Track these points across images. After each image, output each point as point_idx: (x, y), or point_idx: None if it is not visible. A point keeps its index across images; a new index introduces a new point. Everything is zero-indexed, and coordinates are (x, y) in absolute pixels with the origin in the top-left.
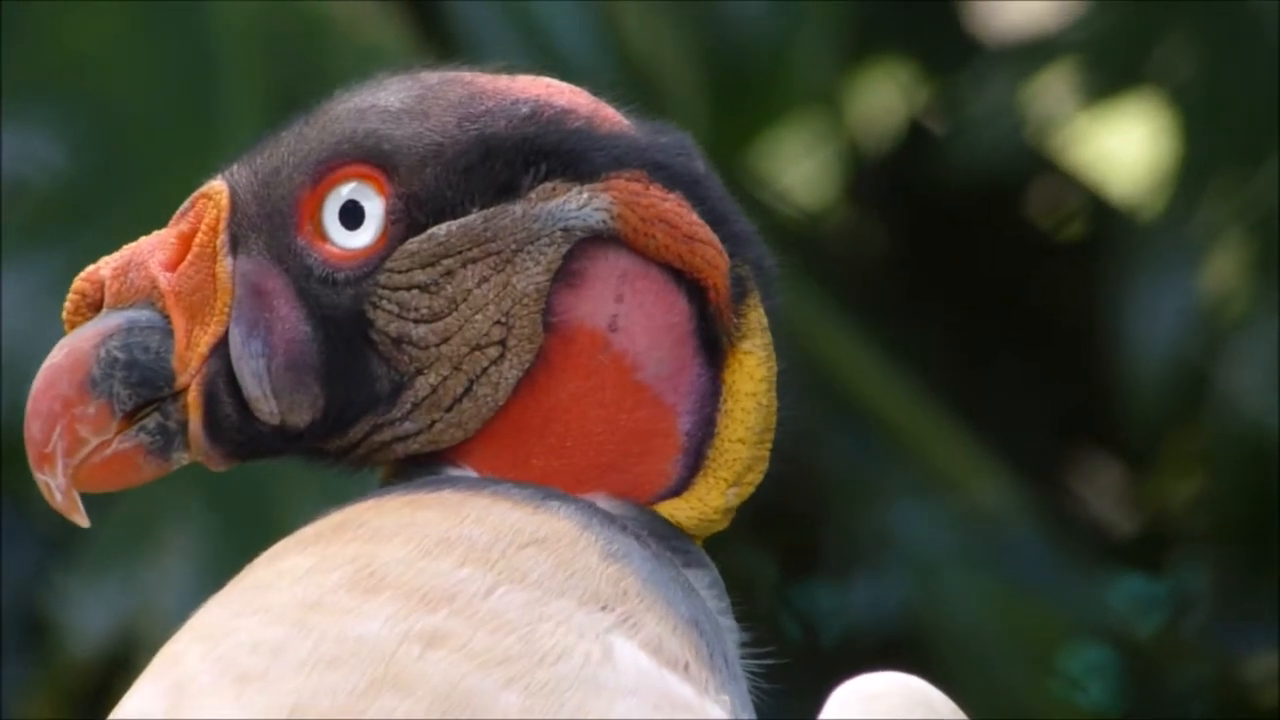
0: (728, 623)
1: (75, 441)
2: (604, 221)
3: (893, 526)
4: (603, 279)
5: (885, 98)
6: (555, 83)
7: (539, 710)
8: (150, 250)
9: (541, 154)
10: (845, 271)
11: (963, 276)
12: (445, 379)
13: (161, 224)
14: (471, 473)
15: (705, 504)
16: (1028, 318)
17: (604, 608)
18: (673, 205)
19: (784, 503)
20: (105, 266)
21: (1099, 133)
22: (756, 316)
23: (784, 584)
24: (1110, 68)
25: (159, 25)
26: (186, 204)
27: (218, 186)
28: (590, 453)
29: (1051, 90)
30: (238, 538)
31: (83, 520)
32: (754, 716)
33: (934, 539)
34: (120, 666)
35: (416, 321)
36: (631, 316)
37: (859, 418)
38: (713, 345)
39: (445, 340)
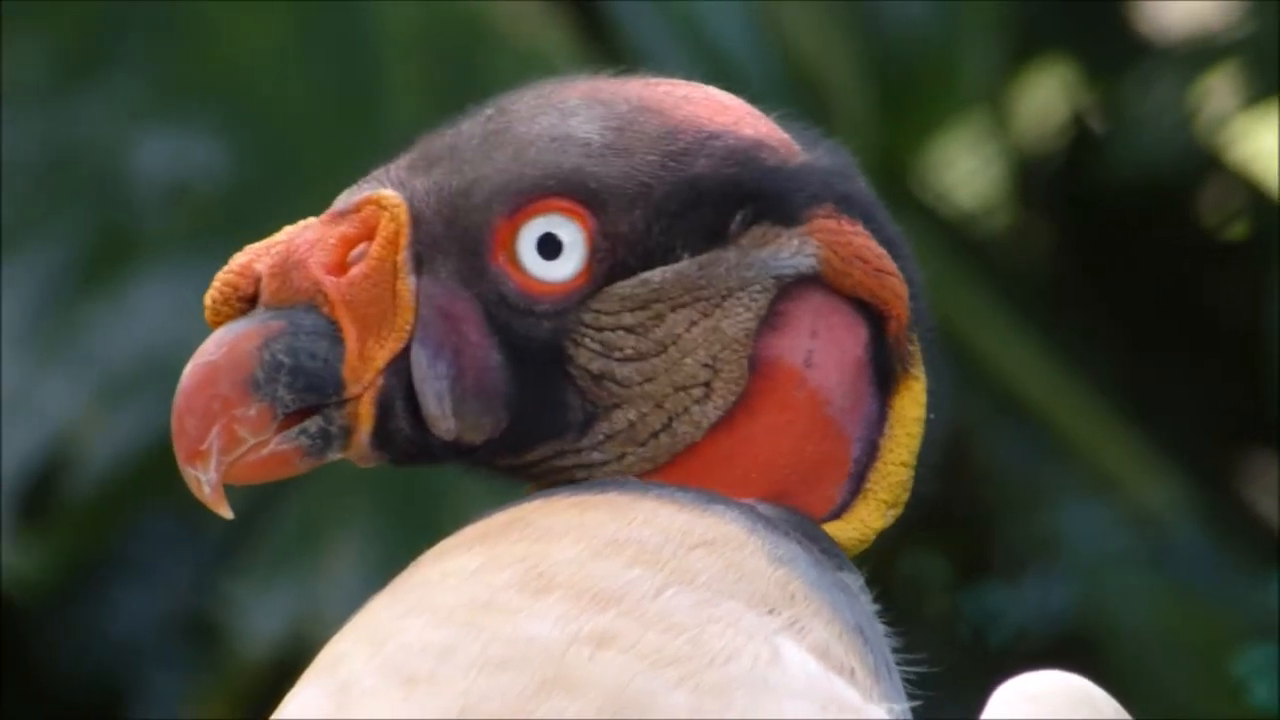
0: (882, 629)
1: (232, 440)
2: (812, 266)
3: (1060, 528)
4: (801, 317)
5: (1049, 98)
6: (729, 101)
7: (708, 710)
8: (308, 249)
9: (747, 196)
10: (1010, 273)
11: (1127, 276)
12: (645, 415)
13: None
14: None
15: (866, 526)
16: (1193, 317)
17: (771, 611)
18: (863, 239)
19: (953, 505)
20: (260, 260)
21: (1262, 132)
22: (917, 340)
23: (954, 586)
24: (1273, 67)
25: (321, 30)
26: (347, 204)
27: (393, 198)
28: (770, 482)
29: (1215, 90)
30: (406, 541)
31: (227, 513)
32: None
33: (1101, 540)
34: (290, 670)
35: (621, 361)
36: (825, 351)
37: (1026, 419)
38: (883, 372)
39: (650, 380)
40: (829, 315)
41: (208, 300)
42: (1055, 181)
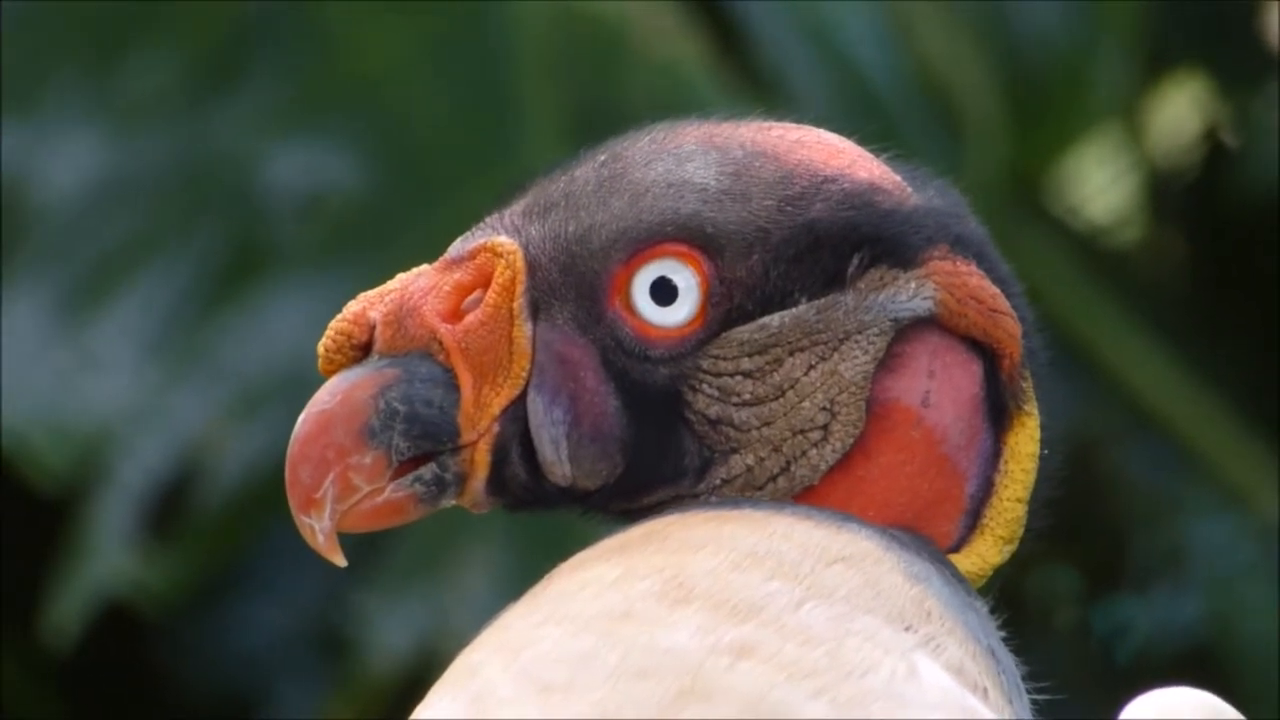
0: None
1: (347, 489)
2: (929, 309)
3: (1189, 541)
4: (918, 358)
5: (1181, 111)
6: (842, 145)
7: None
8: (422, 297)
9: (864, 240)
10: (1142, 286)
11: (1259, 290)
12: (763, 460)
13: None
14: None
15: (984, 561)
16: None
17: (908, 628)
18: (977, 279)
19: (1084, 518)
20: (374, 308)
21: None
22: (1029, 376)
23: (1084, 599)
24: None
25: (453, 41)
26: (461, 251)
27: (508, 245)
28: (887, 520)
29: None
30: (535, 554)
31: (340, 561)
32: None
33: (1230, 553)
34: (419, 683)
35: (739, 405)
36: (941, 391)
37: (1157, 433)
38: (997, 408)
39: (767, 424)
40: (944, 355)
41: (321, 349)
42: (1188, 195)
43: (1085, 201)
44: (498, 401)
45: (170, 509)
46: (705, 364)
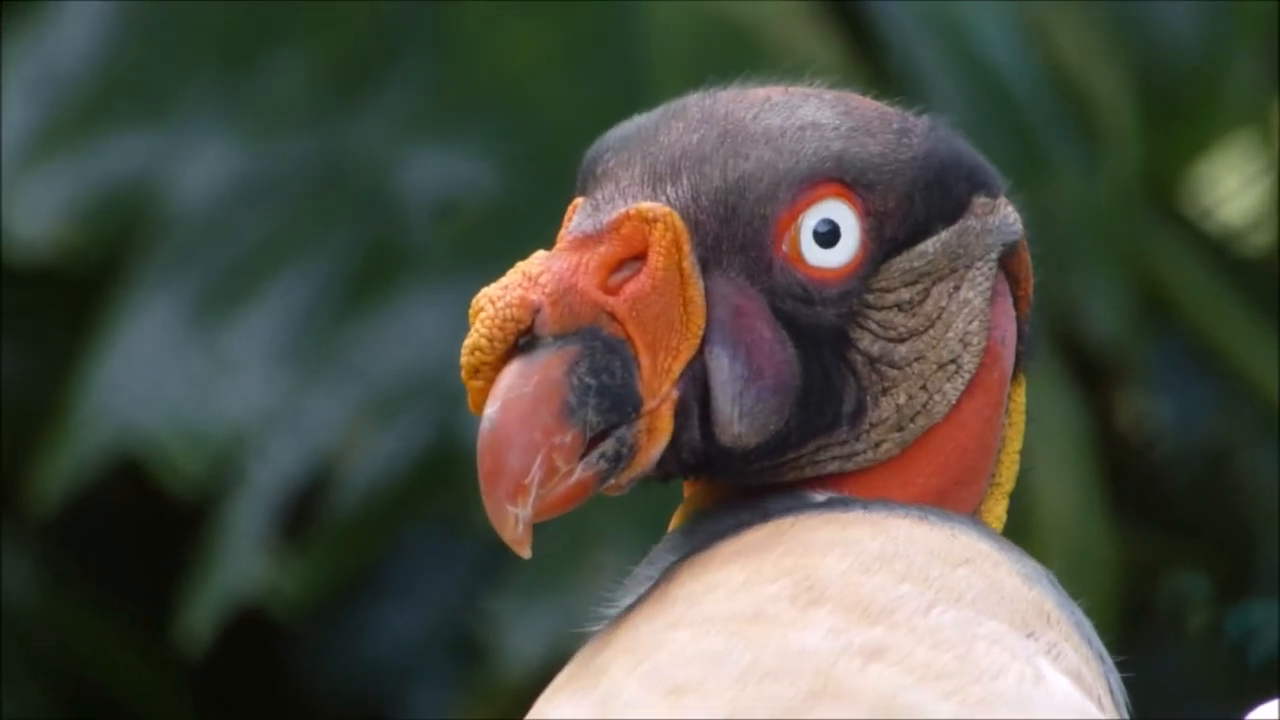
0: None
1: (551, 472)
2: (1019, 231)
3: None
4: (1000, 294)
5: None
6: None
7: None
8: (574, 275)
9: (970, 170)
10: (1275, 290)
11: None
12: (911, 398)
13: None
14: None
15: (994, 517)
16: None
17: (1030, 634)
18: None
19: (1215, 522)
20: (532, 292)
21: None
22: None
23: (1216, 603)
24: None
25: (588, 45)
26: (600, 225)
27: (660, 209)
28: (959, 470)
29: None
30: None
31: (528, 552)
32: None
33: None
34: None
35: (896, 340)
36: (1007, 331)
37: None
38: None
39: (919, 358)
40: (1001, 298)
41: (481, 342)
42: None
43: (1219, 205)
44: (676, 365)
45: (303, 514)
46: (871, 298)
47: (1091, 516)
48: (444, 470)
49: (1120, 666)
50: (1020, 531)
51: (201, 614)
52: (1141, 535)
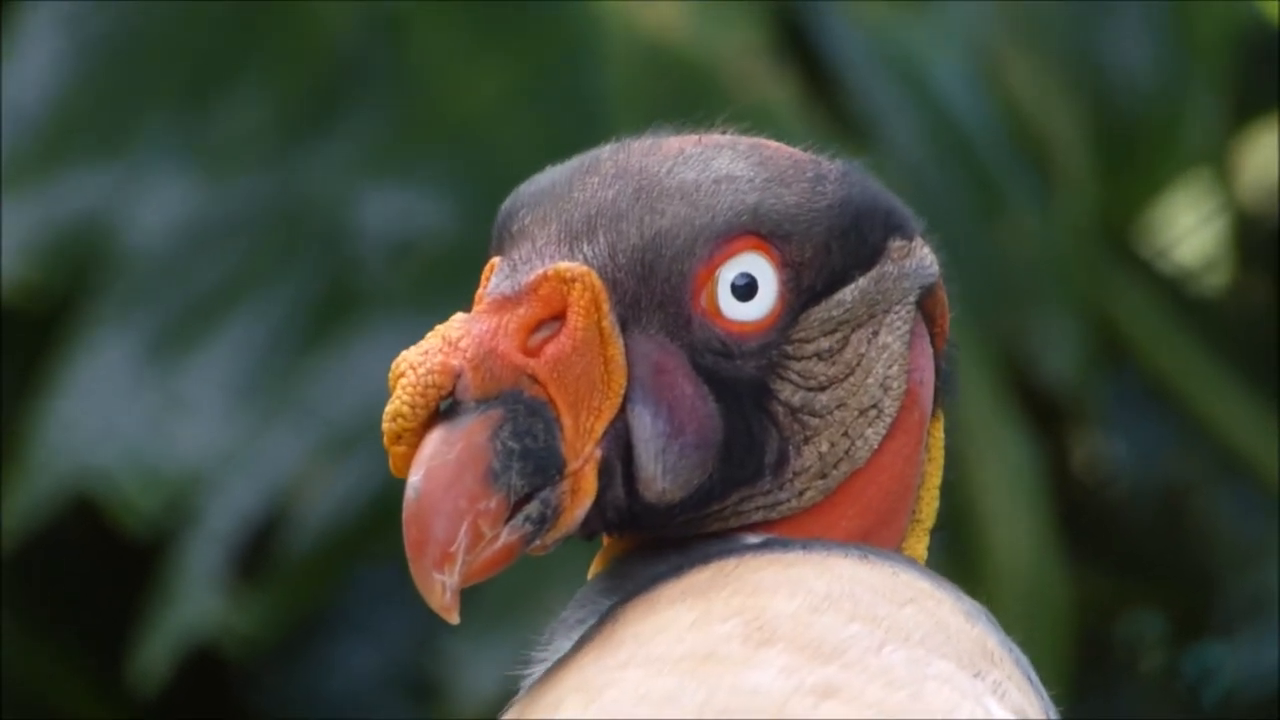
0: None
1: (477, 538)
2: (937, 274)
3: (1273, 587)
4: (918, 335)
5: (1269, 156)
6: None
7: None
8: (493, 337)
9: (885, 214)
10: (1230, 330)
11: None
12: (833, 446)
13: None
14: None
15: (917, 554)
16: None
17: (977, 673)
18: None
19: (1171, 562)
20: (453, 358)
21: None
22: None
23: (1172, 643)
24: None
25: (545, 85)
26: (516, 288)
27: (578, 268)
28: (882, 511)
29: None
30: None
31: (455, 619)
32: None
33: None
34: None
35: (818, 389)
36: (925, 371)
37: (1245, 477)
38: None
39: (840, 406)
40: (919, 338)
41: (404, 407)
42: (1276, 239)
43: (1174, 245)
44: (599, 424)
45: (259, 552)
46: (790, 349)
47: (1047, 556)
48: (399, 509)
49: (1076, 707)
50: (975, 572)
51: (157, 652)
52: (1097, 575)
